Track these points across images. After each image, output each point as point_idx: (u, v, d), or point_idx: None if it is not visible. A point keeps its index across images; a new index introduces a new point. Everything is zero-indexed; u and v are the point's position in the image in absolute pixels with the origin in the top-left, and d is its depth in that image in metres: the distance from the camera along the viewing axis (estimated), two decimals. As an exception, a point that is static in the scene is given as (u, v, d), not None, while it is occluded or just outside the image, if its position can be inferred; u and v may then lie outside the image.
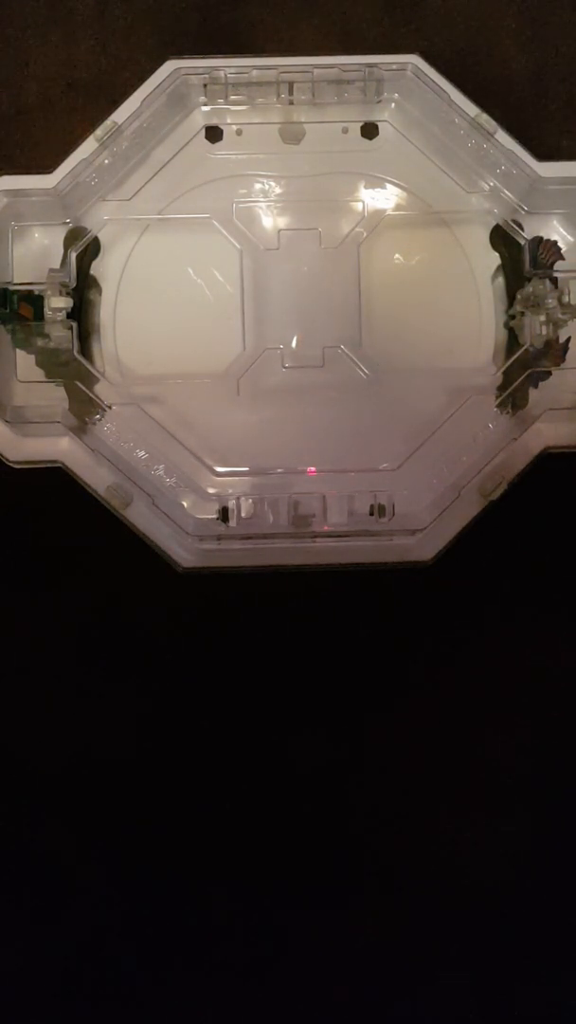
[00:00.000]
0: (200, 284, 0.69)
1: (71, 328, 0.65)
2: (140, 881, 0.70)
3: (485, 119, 0.65)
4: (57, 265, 0.67)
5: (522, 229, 0.67)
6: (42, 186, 0.65)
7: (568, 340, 0.67)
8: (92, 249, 0.68)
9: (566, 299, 0.65)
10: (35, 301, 0.65)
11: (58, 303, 0.64)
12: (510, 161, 0.66)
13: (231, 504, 0.68)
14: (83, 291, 0.68)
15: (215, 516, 0.68)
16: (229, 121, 0.69)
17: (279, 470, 0.69)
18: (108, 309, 0.69)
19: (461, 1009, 0.70)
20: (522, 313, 0.66)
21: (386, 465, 0.69)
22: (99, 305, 0.69)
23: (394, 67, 0.66)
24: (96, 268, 0.69)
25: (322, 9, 0.72)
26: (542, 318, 0.65)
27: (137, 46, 0.71)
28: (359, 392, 0.69)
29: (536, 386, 0.68)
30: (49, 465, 0.66)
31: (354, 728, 0.71)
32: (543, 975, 0.71)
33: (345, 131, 0.69)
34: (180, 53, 0.67)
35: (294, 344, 0.69)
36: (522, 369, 0.67)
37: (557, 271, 0.67)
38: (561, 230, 0.69)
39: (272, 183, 0.70)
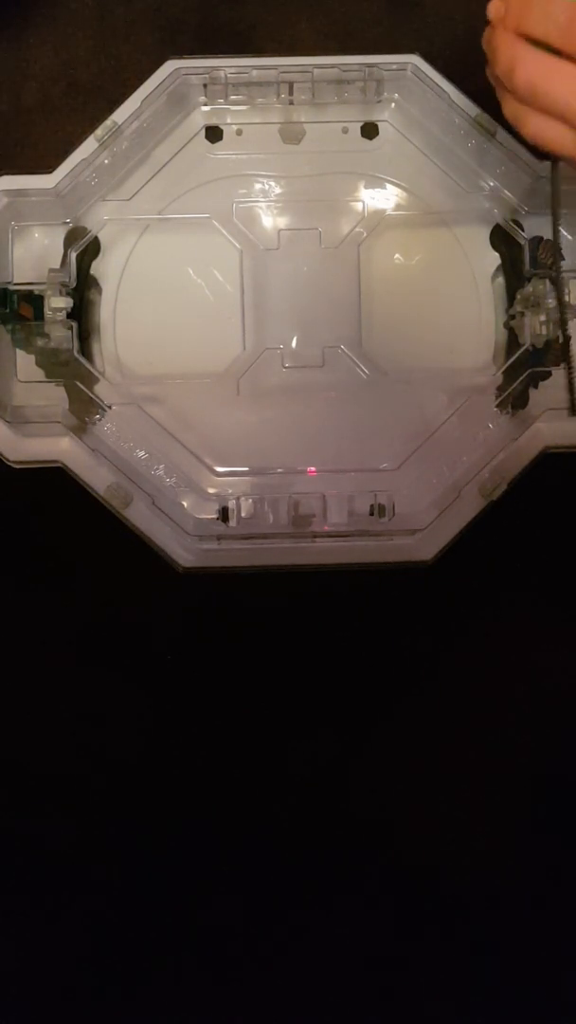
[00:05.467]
0: (200, 284, 0.69)
1: (71, 328, 0.65)
2: (140, 880, 0.70)
3: (485, 119, 0.65)
4: (57, 265, 0.67)
5: (522, 229, 0.67)
6: (42, 186, 0.65)
7: (568, 340, 0.67)
8: (92, 249, 0.68)
9: (566, 299, 0.65)
10: (35, 301, 0.65)
11: (58, 303, 0.64)
12: (510, 161, 0.66)
13: (231, 504, 0.68)
14: (83, 291, 0.68)
15: (215, 516, 0.68)
16: (229, 121, 0.69)
17: (279, 470, 0.69)
18: (108, 309, 0.69)
19: (462, 1014, 0.71)
20: (522, 313, 0.66)
21: (386, 465, 0.69)
22: (99, 305, 0.69)
23: (394, 67, 0.66)
24: (96, 268, 0.69)
25: (322, 9, 0.72)
26: (542, 318, 0.65)
27: (137, 46, 0.71)
28: (359, 392, 0.69)
29: (536, 386, 0.68)
30: (49, 465, 0.66)
31: (354, 728, 0.71)
32: (544, 979, 0.71)
33: (345, 131, 0.69)
34: (180, 53, 0.67)
35: (294, 344, 0.69)
36: (522, 369, 0.67)
37: (557, 271, 0.67)
38: (561, 230, 0.69)
39: (272, 183, 0.69)
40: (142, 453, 0.68)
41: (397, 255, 0.70)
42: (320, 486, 0.68)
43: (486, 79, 0.70)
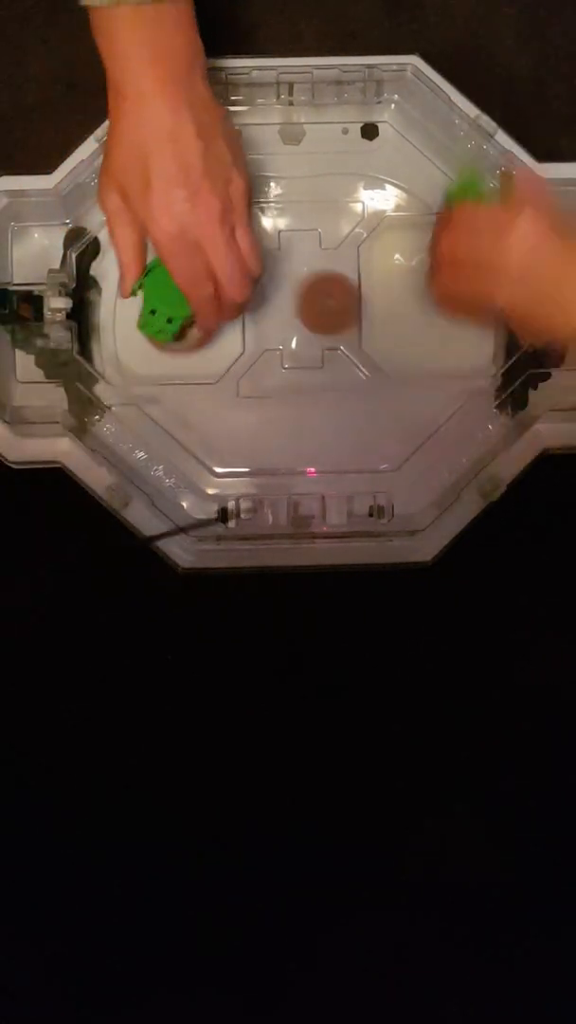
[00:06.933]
0: (200, 284, 0.69)
1: (71, 328, 0.65)
2: (140, 879, 0.71)
3: (485, 120, 0.65)
4: (57, 266, 0.67)
5: (522, 230, 0.67)
6: (42, 186, 0.65)
7: None
8: (92, 250, 0.68)
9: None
10: (34, 302, 0.65)
11: (57, 303, 0.64)
12: (510, 162, 0.66)
13: (230, 505, 0.68)
14: (83, 292, 0.68)
15: (214, 517, 0.68)
16: (229, 121, 0.69)
17: (279, 471, 0.69)
18: (108, 310, 0.69)
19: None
20: (522, 314, 0.66)
21: (386, 466, 0.69)
22: (99, 305, 0.69)
23: (394, 68, 0.66)
24: (96, 268, 0.69)
25: (322, 9, 0.72)
26: (541, 319, 0.65)
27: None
28: (358, 393, 0.69)
29: (535, 387, 0.68)
30: (49, 465, 0.66)
31: (353, 728, 0.71)
32: (543, 981, 0.71)
33: (345, 132, 0.69)
34: (180, 53, 0.67)
35: (294, 345, 0.69)
36: (522, 370, 0.67)
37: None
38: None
39: (272, 183, 0.69)
40: (141, 454, 0.68)
41: (397, 256, 0.70)
42: (319, 487, 0.68)
43: (486, 79, 0.70)
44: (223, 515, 0.67)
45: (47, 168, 0.65)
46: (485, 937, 0.71)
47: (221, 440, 0.69)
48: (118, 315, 0.69)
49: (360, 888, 0.71)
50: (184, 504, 0.68)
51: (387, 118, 0.69)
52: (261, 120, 0.69)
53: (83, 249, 0.67)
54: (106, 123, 0.65)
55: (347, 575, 0.68)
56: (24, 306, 0.66)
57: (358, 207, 0.69)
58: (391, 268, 0.70)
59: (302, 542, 0.67)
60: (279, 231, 0.69)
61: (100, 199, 0.57)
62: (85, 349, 0.68)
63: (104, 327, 0.69)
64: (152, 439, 0.68)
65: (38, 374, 0.68)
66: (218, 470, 0.69)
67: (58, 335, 0.65)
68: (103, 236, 0.68)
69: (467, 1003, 0.71)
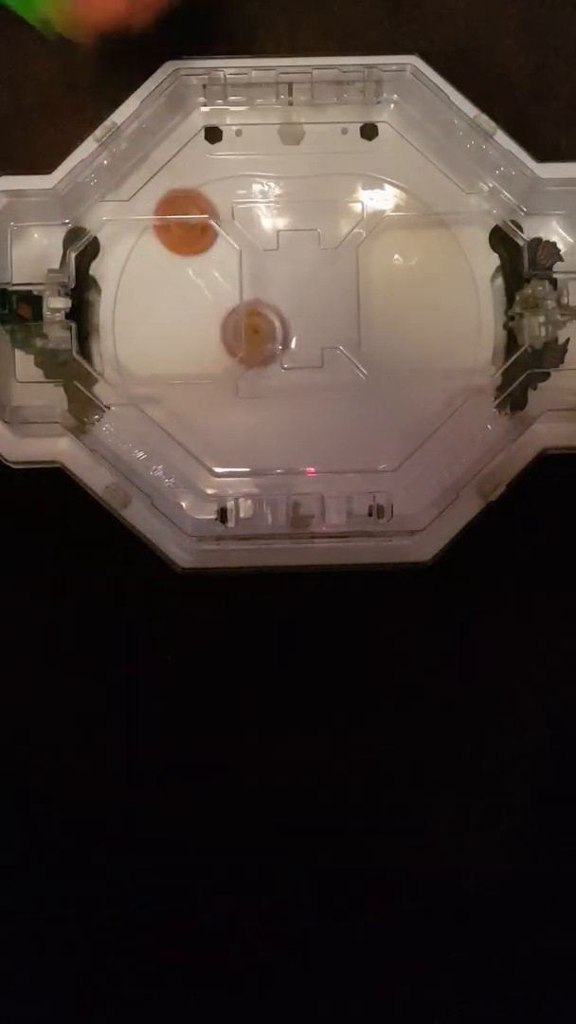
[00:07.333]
0: (199, 285, 0.69)
1: (70, 329, 0.65)
2: (139, 880, 0.71)
3: (484, 120, 0.65)
4: (56, 266, 0.67)
5: (521, 230, 0.67)
6: (41, 186, 0.65)
7: (567, 341, 0.67)
8: (91, 250, 0.68)
9: (565, 300, 0.65)
10: (34, 301, 0.65)
11: (56, 303, 0.64)
12: (509, 162, 0.66)
13: (230, 505, 0.67)
14: (82, 291, 0.68)
15: (214, 517, 0.68)
16: (229, 122, 0.69)
17: (278, 471, 0.69)
18: (107, 310, 0.69)
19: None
20: (521, 314, 0.66)
21: (385, 466, 0.69)
22: (98, 305, 0.69)
23: (393, 68, 0.66)
24: (95, 268, 0.69)
25: (322, 9, 0.72)
26: (541, 319, 0.65)
27: (137, 46, 0.71)
28: (358, 393, 0.69)
29: (535, 387, 0.68)
30: (48, 465, 0.66)
31: (353, 729, 0.71)
32: (543, 981, 0.71)
33: (344, 132, 0.69)
34: (180, 53, 0.67)
35: (293, 345, 0.69)
36: (521, 370, 0.67)
37: (556, 272, 0.67)
38: (560, 231, 0.69)
39: (272, 184, 0.69)
40: (141, 454, 0.68)
41: (396, 256, 0.70)
42: (319, 487, 0.68)
43: (486, 79, 0.70)
44: (222, 515, 0.67)
45: (47, 168, 0.65)
46: (485, 937, 0.71)
47: (220, 440, 0.69)
48: (118, 315, 0.69)
49: (360, 888, 0.71)
50: (183, 504, 0.68)
51: (387, 118, 0.69)
52: (261, 120, 0.69)
53: (83, 249, 0.67)
54: (105, 123, 0.66)
55: (347, 575, 0.68)
56: (23, 306, 0.66)
57: (357, 207, 0.69)
58: (391, 268, 0.70)
59: (301, 542, 0.67)
60: (278, 231, 0.69)
61: None
62: (85, 349, 0.68)
63: (104, 327, 0.69)
64: (152, 439, 0.68)
65: (38, 374, 0.68)
66: (217, 470, 0.69)
67: (57, 335, 0.65)
68: (103, 236, 0.68)
69: (467, 1003, 0.71)
